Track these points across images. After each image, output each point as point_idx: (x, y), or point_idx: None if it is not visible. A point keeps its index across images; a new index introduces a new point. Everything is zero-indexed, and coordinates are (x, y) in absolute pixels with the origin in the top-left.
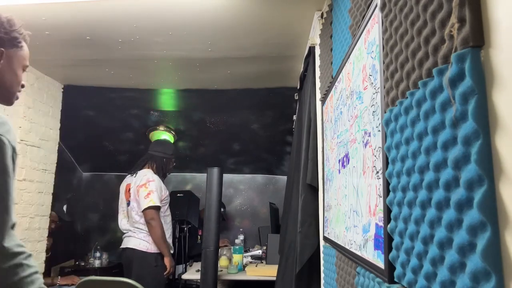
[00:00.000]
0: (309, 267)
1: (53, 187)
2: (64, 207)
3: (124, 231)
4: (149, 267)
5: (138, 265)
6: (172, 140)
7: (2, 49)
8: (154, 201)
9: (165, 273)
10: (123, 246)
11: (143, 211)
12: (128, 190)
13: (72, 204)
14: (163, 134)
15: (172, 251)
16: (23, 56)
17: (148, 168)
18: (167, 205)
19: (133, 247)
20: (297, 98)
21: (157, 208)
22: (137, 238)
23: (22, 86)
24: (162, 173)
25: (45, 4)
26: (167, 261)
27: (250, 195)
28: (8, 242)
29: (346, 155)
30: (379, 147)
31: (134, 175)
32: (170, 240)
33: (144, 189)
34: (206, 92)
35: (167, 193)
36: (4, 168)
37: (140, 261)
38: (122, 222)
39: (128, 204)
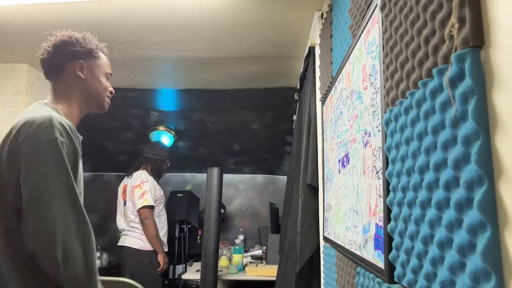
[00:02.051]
0: (309, 267)
1: None
2: None
3: (121, 230)
4: (143, 264)
5: (133, 262)
6: (172, 140)
7: (82, 61)
8: (148, 201)
9: (158, 270)
10: (119, 244)
11: (137, 211)
12: (124, 191)
13: None
14: (163, 134)
15: (166, 249)
16: (102, 64)
17: (143, 169)
18: (162, 204)
19: (129, 245)
20: (297, 98)
21: (151, 208)
22: (132, 237)
23: (111, 92)
24: (156, 174)
25: (45, 4)
26: (160, 258)
27: (250, 195)
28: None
29: (346, 155)
30: (379, 147)
31: (130, 176)
32: (165, 238)
33: (138, 189)
34: (206, 92)
35: (162, 193)
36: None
37: (135, 258)
38: (120, 222)
39: (125, 204)
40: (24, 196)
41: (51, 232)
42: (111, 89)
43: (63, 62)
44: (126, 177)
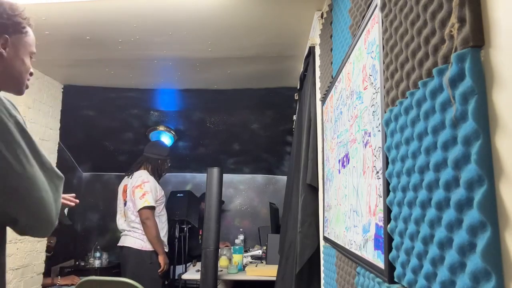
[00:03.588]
0: (309, 267)
1: None
2: (66, 210)
3: (122, 230)
4: (144, 265)
5: (133, 263)
6: (172, 140)
7: (6, 36)
8: (149, 201)
9: (159, 271)
10: (120, 244)
11: (138, 211)
12: (125, 191)
13: None
14: (163, 134)
15: (166, 250)
16: (29, 42)
17: (144, 169)
18: (163, 205)
19: (129, 246)
20: (297, 98)
21: (152, 208)
22: (133, 237)
23: (31, 74)
24: (157, 174)
25: (45, 4)
26: (161, 259)
27: (250, 195)
28: None
29: (346, 155)
30: (379, 147)
31: (130, 176)
32: (165, 239)
33: (139, 189)
34: (206, 92)
35: (162, 193)
36: None
37: (135, 259)
38: (120, 222)
39: (125, 204)
40: (10, 185)
41: (48, 209)
42: (31, 70)
43: None
44: (127, 177)
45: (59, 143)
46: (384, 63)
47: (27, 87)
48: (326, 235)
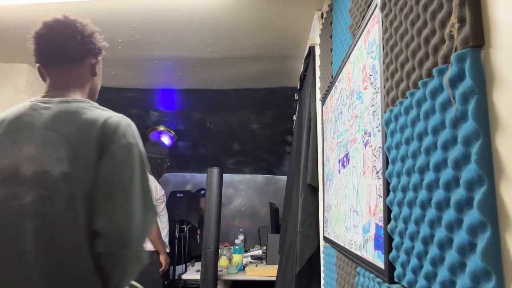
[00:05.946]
0: (309, 267)
1: None
2: None
3: None
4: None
5: None
6: (172, 140)
7: (100, 57)
8: None
9: (160, 270)
10: None
11: None
12: None
13: None
14: (163, 134)
15: (168, 250)
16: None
17: None
18: (163, 204)
19: None
20: (297, 98)
21: None
22: None
23: None
24: (157, 173)
25: (45, 4)
26: (162, 258)
27: (250, 195)
28: None
29: (346, 155)
30: (379, 147)
31: None
32: (166, 239)
33: None
34: (206, 92)
35: (163, 192)
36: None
37: None
38: None
39: None
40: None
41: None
42: None
43: (86, 54)
44: None
45: None
46: (384, 63)
47: None
48: (326, 235)
